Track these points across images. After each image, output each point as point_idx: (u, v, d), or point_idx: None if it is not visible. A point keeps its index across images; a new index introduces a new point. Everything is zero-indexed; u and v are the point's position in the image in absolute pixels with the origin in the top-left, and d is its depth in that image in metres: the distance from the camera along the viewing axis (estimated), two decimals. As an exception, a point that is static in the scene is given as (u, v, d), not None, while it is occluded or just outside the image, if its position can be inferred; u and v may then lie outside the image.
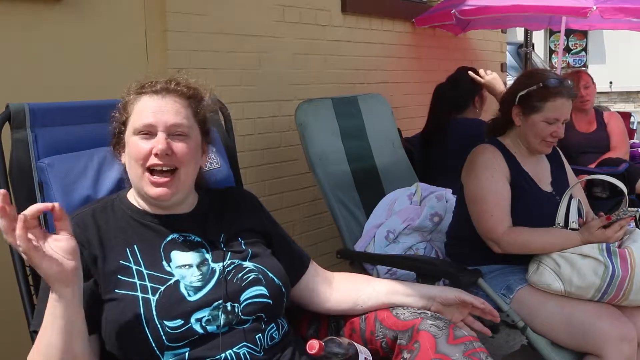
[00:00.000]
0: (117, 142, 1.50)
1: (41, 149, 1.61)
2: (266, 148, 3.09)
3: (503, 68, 5.18)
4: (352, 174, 2.78)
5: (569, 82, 2.27)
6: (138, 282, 1.37)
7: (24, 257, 1.17)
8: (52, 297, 1.21)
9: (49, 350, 1.22)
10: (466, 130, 3.10)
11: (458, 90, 3.31)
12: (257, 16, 3.00)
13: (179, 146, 1.41)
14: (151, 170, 1.41)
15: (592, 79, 4.21)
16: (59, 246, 1.20)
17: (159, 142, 1.39)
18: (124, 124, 1.47)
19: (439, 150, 3.24)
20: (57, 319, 1.21)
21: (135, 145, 1.42)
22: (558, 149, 2.45)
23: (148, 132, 1.41)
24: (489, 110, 2.85)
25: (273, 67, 3.09)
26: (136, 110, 1.44)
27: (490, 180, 2.22)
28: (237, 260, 1.47)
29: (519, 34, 9.33)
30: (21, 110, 1.60)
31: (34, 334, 1.31)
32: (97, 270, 1.38)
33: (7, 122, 1.59)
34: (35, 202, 1.56)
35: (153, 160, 1.40)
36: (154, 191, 1.41)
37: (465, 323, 1.59)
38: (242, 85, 2.93)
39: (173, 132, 1.42)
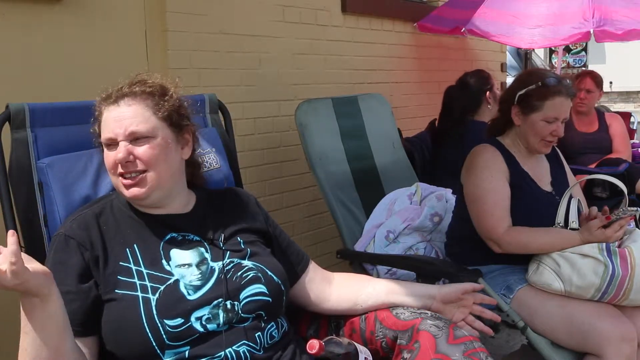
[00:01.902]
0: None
1: (41, 149, 1.61)
2: (266, 148, 3.09)
3: (503, 68, 5.18)
4: (352, 174, 2.77)
5: (568, 80, 2.27)
6: (138, 282, 1.37)
7: None
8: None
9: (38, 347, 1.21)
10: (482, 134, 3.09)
11: (466, 91, 3.33)
12: (257, 16, 3.00)
13: (141, 150, 1.42)
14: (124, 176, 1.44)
15: (597, 84, 4.12)
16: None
17: (119, 151, 1.41)
18: (100, 137, 1.49)
19: (453, 151, 3.23)
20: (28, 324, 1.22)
21: (106, 157, 1.46)
22: (557, 148, 2.45)
23: (112, 143, 1.43)
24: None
25: (273, 67, 3.09)
26: (101, 124, 1.47)
27: (490, 180, 2.22)
28: (237, 259, 1.47)
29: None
30: (21, 110, 1.60)
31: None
32: (98, 271, 1.39)
33: (7, 122, 1.59)
34: (35, 202, 1.57)
35: (120, 169, 1.42)
36: (128, 193, 1.43)
37: (465, 322, 1.59)
38: (242, 85, 2.93)
39: (133, 138, 1.43)
